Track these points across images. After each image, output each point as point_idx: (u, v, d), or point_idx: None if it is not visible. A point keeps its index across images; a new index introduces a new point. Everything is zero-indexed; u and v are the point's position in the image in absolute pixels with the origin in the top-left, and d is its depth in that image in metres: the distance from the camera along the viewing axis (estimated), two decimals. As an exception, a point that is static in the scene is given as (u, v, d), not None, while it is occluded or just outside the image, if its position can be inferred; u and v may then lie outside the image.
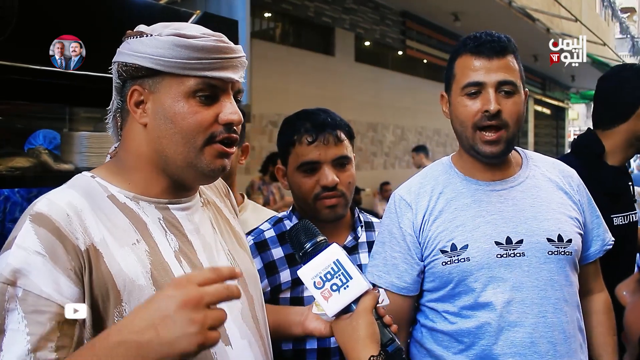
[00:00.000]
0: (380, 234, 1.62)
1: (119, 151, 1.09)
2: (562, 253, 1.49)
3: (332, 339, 1.56)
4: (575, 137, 2.48)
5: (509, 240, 1.48)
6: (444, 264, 1.48)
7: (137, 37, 1.03)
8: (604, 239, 1.65)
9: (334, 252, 1.03)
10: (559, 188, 1.58)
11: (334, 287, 1.02)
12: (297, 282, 1.57)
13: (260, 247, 1.62)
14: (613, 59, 15.49)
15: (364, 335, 1.01)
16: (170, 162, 1.04)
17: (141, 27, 1.06)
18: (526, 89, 1.55)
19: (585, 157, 2.07)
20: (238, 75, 1.07)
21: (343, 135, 1.62)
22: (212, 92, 1.03)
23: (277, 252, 1.61)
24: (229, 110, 1.04)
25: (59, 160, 2.21)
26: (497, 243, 1.47)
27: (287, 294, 1.57)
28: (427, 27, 11.58)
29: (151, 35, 1.02)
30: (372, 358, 0.98)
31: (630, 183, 2.18)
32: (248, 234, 1.65)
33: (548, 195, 1.55)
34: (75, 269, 0.91)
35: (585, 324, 1.62)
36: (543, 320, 1.45)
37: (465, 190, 1.55)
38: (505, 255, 1.46)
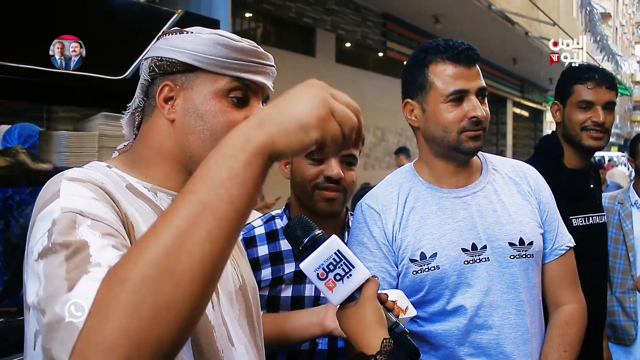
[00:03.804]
0: (348, 246, 1.61)
1: (136, 146, 1.08)
2: (524, 256, 1.53)
3: (325, 340, 1.56)
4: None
5: (474, 247, 1.51)
6: (414, 272, 1.50)
7: (176, 34, 1.03)
8: (563, 237, 1.66)
9: (335, 243, 1.04)
10: (518, 190, 1.61)
11: (337, 277, 1.02)
12: (276, 282, 1.57)
13: (248, 243, 1.61)
14: (589, 62, 15.76)
15: (372, 320, 1.02)
16: (197, 159, 1.00)
17: (176, 28, 1.06)
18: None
19: (543, 159, 2.11)
20: (270, 83, 1.08)
21: None
22: (244, 95, 1.03)
23: (263, 250, 1.61)
24: None
25: (37, 159, 2.16)
26: (464, 250, 1.50)
27: (266, 292, 1.56)
28: (407, 29, 11.66)
29: (192, 32, 1.03)
30: (384, 341, 0.99)
31: (592, 185, 2.18)
32: None
33: (509, 199, 1.58)
34: (124, 223, 0.89)
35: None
36: (507, 322, 1.49)
37: (430, 197, 1.57)
38: (471, 262, 1.49)
